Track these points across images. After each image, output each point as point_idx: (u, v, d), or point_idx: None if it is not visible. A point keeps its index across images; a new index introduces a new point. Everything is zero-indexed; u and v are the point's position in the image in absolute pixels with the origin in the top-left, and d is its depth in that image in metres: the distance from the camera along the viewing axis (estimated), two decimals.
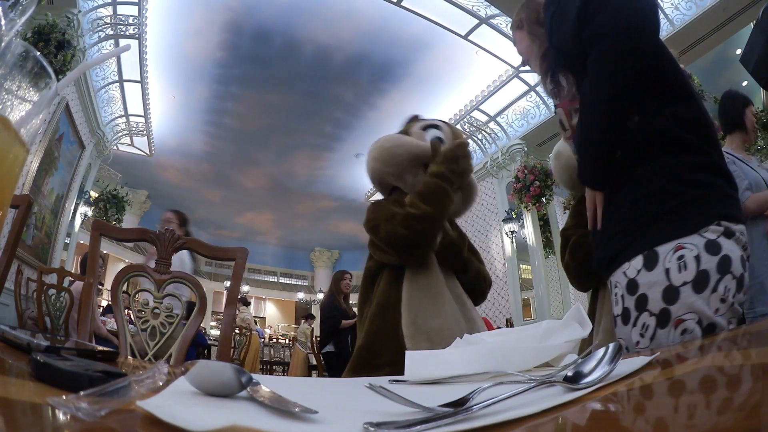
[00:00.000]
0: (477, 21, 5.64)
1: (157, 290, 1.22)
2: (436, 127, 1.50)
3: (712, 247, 0.75)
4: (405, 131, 1.52)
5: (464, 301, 1.29)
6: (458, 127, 7.62)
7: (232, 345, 5.60)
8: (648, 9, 0.82)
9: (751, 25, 3.75)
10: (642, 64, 0.81)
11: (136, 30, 5.90)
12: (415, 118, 1.63)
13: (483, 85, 6.94)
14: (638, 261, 0.80)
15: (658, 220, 0.79)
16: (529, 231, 6.85)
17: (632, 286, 0.81)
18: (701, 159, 0.81)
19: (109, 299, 1.34)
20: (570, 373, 0.35)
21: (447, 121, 1.59)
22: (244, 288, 14.00)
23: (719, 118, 2.36)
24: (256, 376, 0.36)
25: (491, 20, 5.57)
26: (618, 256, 0.85)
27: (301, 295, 15.50)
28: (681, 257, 0.75)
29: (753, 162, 2.16)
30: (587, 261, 1.19)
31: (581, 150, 0.91)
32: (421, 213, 1.20)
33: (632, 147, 0.85)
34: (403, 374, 0.48)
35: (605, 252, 0.90)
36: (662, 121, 0.82)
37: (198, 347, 5.14)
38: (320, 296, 12.95)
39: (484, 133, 7.61)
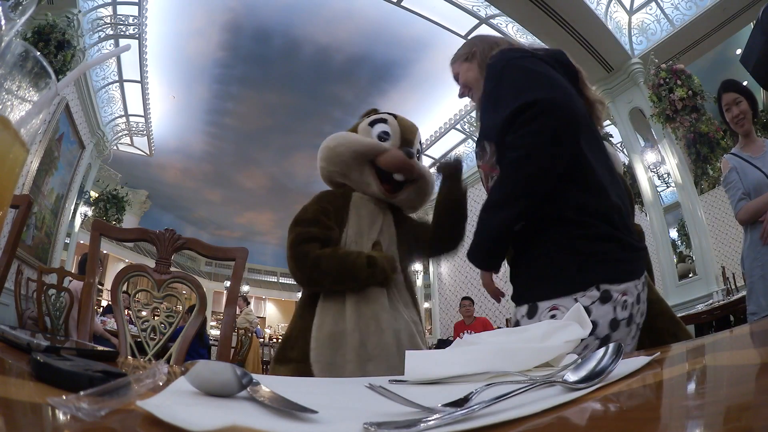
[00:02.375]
0: (477, 21, 5.64)
1: (157, 290, 1.22)
2: (383, 121, 1.48)
3: None
4: (355, 127, 1.51)
5: (377, 306, 1.26)
6: (458, 127, 7.63)
7: (233, 345, 5.60)
8: (570, 125, 0.91)
9: (751, 25, 3.76)
10: (550, 182, 0.92)
11: (136, 30, 5.90)
12: (372, 111, 1.60)
13: None
14: (524, 309, 0.95)
15: (541, 279, 0.94)
16: None
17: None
18: (589, 231, 0.91)
19: (109, 299, 1.34)
20: (570, 373, 0.35)
21: (395, 114, 1.53)
22: (244, 288, 13.99)
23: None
24: (256, 376, 0.36)
25: (491, 20, 5.58)
26: (517, 299, 1.01)
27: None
28: (553, 316, 0.88)
29: (766, 154, 2.13)
30: None
31: (478, 237, 1.00)
32: (322, 277, 1.23)
33: (530, 225, 0.98)
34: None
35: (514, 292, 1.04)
36: (559, 212, 0.93)
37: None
38: None
39: None
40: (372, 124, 1.47)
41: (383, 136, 1.44)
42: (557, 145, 0.90)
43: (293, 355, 1.22)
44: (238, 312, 6.74)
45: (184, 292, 1.46)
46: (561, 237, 0.92)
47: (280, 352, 1.29)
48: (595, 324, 0.85)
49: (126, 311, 1.21)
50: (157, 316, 1.24)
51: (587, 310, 0.86)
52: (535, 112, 0.89)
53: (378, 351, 1.18)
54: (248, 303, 7.40)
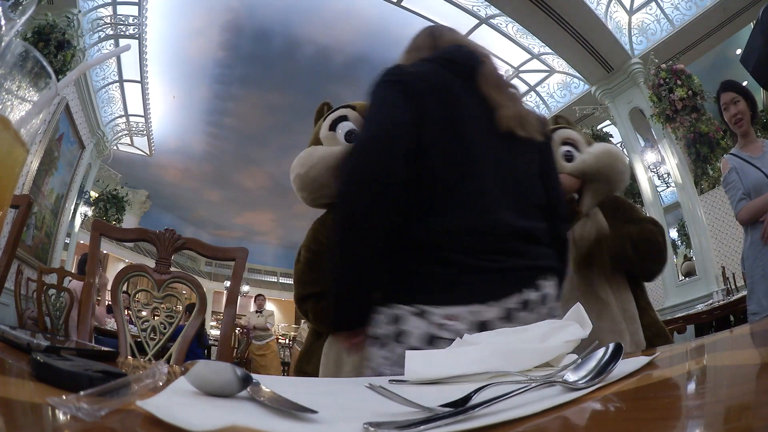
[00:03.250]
0: (477, 21, 5.64)
1: (157, 290, 1.22)
2: (344, 118, 1.40)
3: (394, 320, 0.84)
4: (315, 136, 1.44)
5: None
6: None
7: (234, 345, 5.60)
8: (382, 166, 0.81)
9: (751, 25, 3.76)
10: (375, 224, 0.82)
11: (136, 30, 5.90)
12: (324, 109, 1.53)
13: None
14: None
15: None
16: None
17: None
18: (422, 254, 0.85)
19: (109, 299, 1.35)
20: (570, 373, 0.35)
21: (354, 104, 1.45)
22: (245, 288, 13.99)
23: None
24: (256, 376, 0.36)
25: (491, 20, 5.58)
26: None
27: None
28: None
29: (765, 154, 2.12)
30: None
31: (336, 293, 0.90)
32: (327, 328, 1.30)
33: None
34: None
35: None
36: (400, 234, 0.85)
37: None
38: None
39: None
40: (333, 126, 1.40)
41: (353, 132, 1.37)
42: (367, 191, 0.82)
43: (309, 368, 1.31)
44: (256, 310, 6.73)
45: (184, 292, 1.46)
46: (396, 255, 0.87)
47: (299, 363, 1.41)
48: (406, 333, 0.83)
49: (126, 311, 1.21)
50: (157, 316, 1.24)
51: (400, 317, 0.83)
52: (350, 159, 0.86)
53: None
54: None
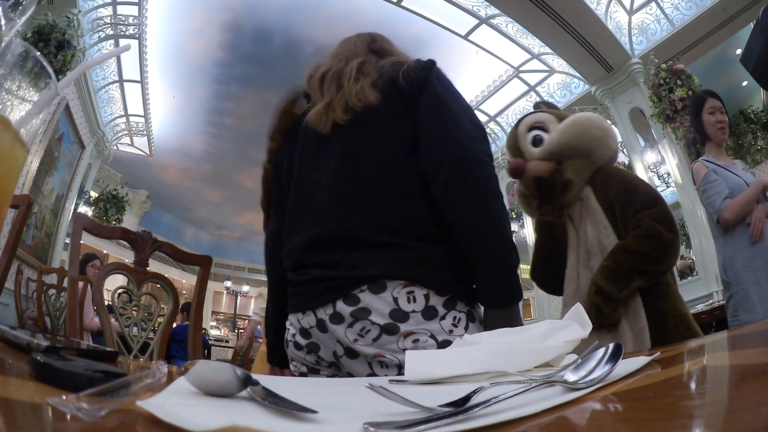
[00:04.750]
0: (477, 21, 5.64)
1: (137, 288, 1.26)
2: None
3: None
4: None
5: None
6: None
7: (232, 346, 5.59)
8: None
9: (751, 25, 3.76)
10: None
11: (136, 30, 5.91)
12: None
13: (483, 85, 6.94)
14: None
15: None
16: (529, 231, 6.85)
17: None
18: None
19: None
20: (570, 373, 0.35)
21: None
22: (244, 288, 14.00)
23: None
24: (256, 376, 0.36)
25: (491, 20, 5.58)
26: None
27: None
28: None
29: (737, 167, 2.12)
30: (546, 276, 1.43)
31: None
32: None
33: None
34: None
35: None
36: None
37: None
38: None
39: None
40: None
41: None
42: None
43: None
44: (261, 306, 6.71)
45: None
46: None
47: None
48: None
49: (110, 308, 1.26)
50: (136, 313, 1.30)
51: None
52: None
53: None
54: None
